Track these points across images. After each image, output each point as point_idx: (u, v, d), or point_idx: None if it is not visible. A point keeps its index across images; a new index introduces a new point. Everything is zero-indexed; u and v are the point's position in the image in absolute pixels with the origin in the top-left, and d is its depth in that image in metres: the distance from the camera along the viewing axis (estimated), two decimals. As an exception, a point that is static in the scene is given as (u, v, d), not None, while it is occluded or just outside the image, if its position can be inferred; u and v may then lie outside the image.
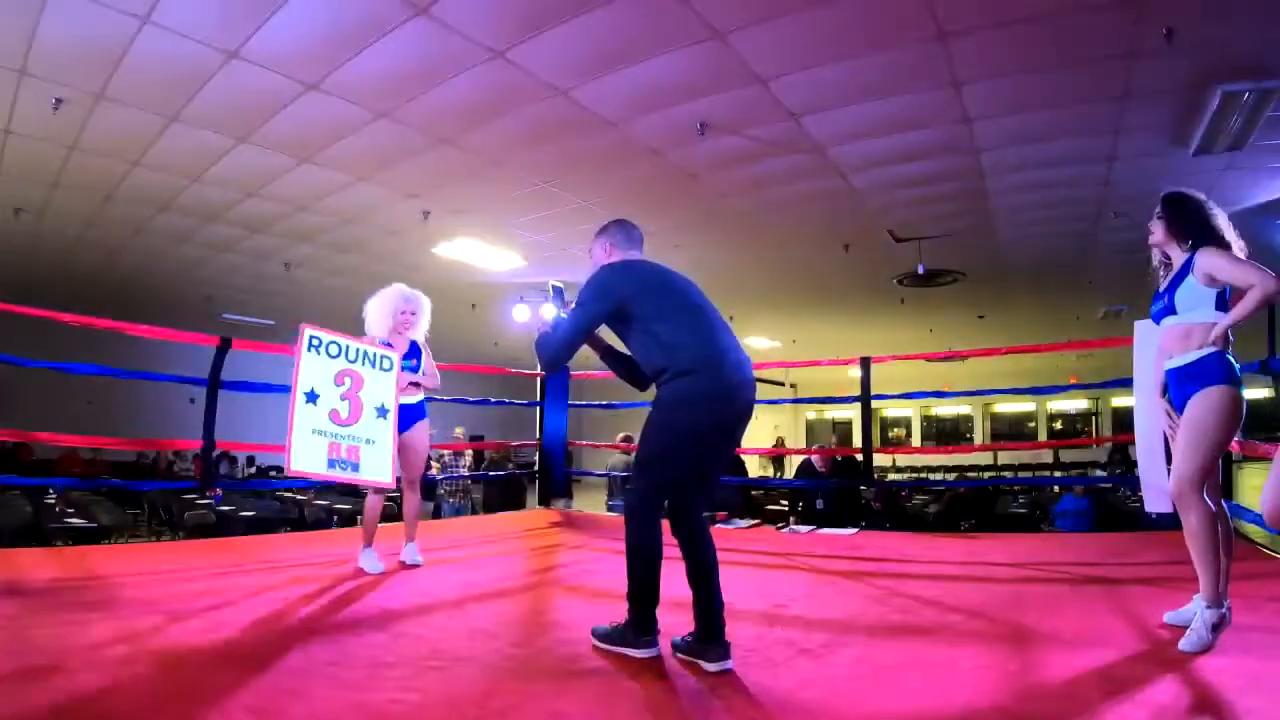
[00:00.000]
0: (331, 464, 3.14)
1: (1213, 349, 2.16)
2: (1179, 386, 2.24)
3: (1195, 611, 2.14)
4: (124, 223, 7.71)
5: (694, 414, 2.07)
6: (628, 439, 7.39)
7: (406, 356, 3.54)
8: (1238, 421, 2.14)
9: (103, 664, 1.87)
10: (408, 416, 3.55)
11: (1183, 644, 2.04)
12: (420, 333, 3.64)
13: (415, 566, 3.40)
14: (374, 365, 3.33)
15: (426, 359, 3.64)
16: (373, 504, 3.44)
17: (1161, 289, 2.33)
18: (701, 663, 1.98)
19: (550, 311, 2.45)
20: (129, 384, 11.29)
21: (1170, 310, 2.26)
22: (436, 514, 7.56)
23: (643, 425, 2.16)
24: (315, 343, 3.19)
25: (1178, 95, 4.74)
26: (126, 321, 4.27)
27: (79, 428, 5.56)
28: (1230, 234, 2.23)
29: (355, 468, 3.20)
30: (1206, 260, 2.17)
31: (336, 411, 3.18)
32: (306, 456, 3.08)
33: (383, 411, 3.31)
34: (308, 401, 3.13)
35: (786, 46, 4.35)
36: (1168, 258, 2.36)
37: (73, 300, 9.64)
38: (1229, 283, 2.15)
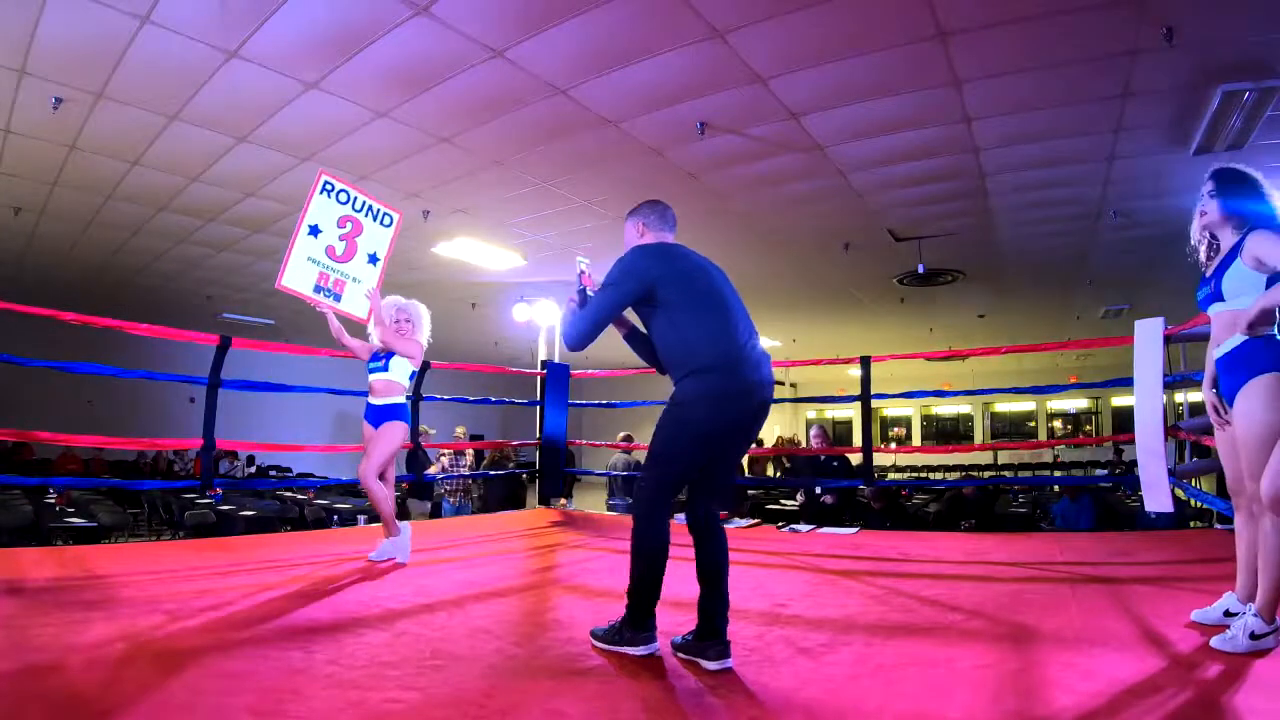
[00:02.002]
0: (317, 289, 3.50)
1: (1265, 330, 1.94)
2: (1227, 375, 2.07)
3: (1224, 607, 2.13)
4: (124, 222, 7.71)
5: (710, 413, 2.05)
6: (628, 438, 7.39)
7: (377, 356, 3.61)
8: None
9: (103, 663, 1.87)
10: (383, 416, 3.56)
11: (1216, 641, 1.99)
12: (419, 338, 3.67)
13: (398, 562, 3.40)
14: (376, 219, 3.66)
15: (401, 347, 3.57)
16: (385, 501, 3.48)
17: (1208, 274, 2.17)
18: (701, 661, 1.97)
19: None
20: (129, 384, 11.29)
21: (1217, 296, 2.10)
22: (436, 513, 7.56)
23: (658, 420, 2.12)
24: (328, 187, 3.52)
25: (1178, 94, 4.74)
26: (126, 321, 4.27)
27: (79, 427, 5.57)
28: None
29: (337, 298, 3.57)
30: (1255, 243, 1.98)
31: (333, 247, 3.52)
32: (297, 277, 3.43)
33: (373, 259, 3.65)
34: (310, 233, 3.47)
35: (786, 45, 4.34)
36: (1215, 241, 2.20)
37: (73, 300, 9.65)
38: (1276, 267, 1.94)
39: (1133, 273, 9.06)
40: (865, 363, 5.11)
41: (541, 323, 7.40)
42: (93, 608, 2.41)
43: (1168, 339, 4.09)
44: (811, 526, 4.96)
